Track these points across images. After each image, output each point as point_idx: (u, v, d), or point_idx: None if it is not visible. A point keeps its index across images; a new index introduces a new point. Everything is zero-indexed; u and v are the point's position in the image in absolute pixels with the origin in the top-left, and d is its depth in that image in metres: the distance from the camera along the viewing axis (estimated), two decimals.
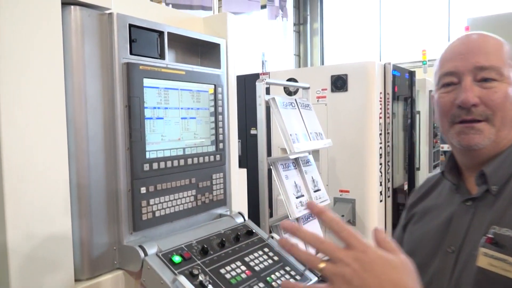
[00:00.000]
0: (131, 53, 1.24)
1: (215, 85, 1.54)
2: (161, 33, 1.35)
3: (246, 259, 1.37)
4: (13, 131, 0.99)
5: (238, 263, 1.33)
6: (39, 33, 1.05)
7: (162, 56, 1.35)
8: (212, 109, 1.54)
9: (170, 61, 1.38)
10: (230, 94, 1.67)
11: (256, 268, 1.35)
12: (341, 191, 3.34)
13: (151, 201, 1.29)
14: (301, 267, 1.42)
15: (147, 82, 1.27)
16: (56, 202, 1.09)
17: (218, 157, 1.55)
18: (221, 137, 1.57)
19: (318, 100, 3.40)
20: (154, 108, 1.31)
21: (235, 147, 1.72)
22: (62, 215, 1.10)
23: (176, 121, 1.39)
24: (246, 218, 1.63)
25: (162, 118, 1.33)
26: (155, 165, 1.30)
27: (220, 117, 1.56)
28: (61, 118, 1.10)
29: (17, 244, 1.00)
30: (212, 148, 1.54)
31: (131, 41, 1.24)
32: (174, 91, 1.38)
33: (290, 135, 2.23)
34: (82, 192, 1.14)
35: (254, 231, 1.52)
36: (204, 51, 1.63)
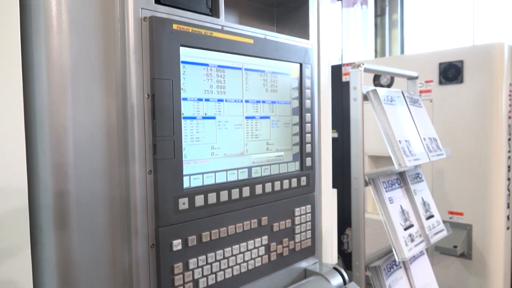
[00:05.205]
0: (157, 1, 0.70)
1: (301, 65, 0.95)
2: None
3: None
4: None
5: None
6: None
7: (214, 12, 0.79)
8: (296, 104, 0.96)
9: (228, 21, 0.82)
10: (323, 80, 1.07)
11: None
12: (452, 213, 2.57)
13: (191, 263, 0.74)
14: None
15: (186, 53, 0.72)
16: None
17: (303, 180, 0.97)
18: (308, 147, 0.98)
19: (420, 95, 2.66)
20: (199, 100, 0.75)
21: (329, 163, 1.12)
22: None
23: (238, 123, 0.83)
24: (346, 277, 1.02)
25: (213, 118, 0.78)
26: (199, 200, 0.74)
27: (307, 116, 0.97)
28: (13, 120, 0.59)
29: None
30: (295, 166, 0.96)
31: None
32: (234, 71, 0.81)
33: (399, 142, 1.58)
34: (62, 254, 0.62)
35: None
36: (283, 12, 1.05)
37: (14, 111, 0.59)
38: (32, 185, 0.62)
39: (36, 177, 0.62)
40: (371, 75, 2.92)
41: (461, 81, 2.48)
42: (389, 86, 2.85)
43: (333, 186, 1.39)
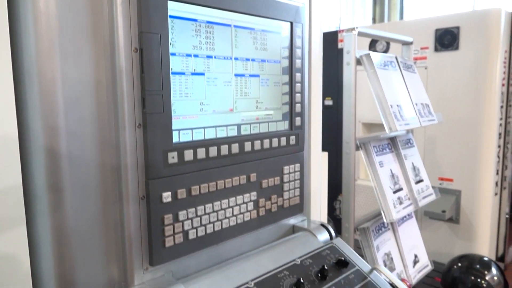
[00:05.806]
0: None
1: (291, 24, 0.95)
2: None
3: None
4: None
5: None
6: None
7: None
8: (286, 63, 0.96)
9: None
10: (314, 40, 1.07)
11: None
12: (442, 179, 2.62)
13: (181, 215, 0.77)
14: None
15: (174, 7, 0.72)
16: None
17: (293, 139, 0.98)
18: (298, 107, 0.99)
19: (415, 62, 2.66)
20: (188, 56, 0.76)
21: (319, 124, 1.14)
22: (13, 246, 0.61)
23: (227, 80, 0.83)
24: (333, 233, 1.06)
25: (202, 74, 0.78)
26: (188, 155, 0.76)
27: (297, 75, 0.98)
28: (1, 73, 0.59)
29: None
30: (284, 125, 0.97)
31: None
32: (223, 28, 0.81)
33: (391, 106, 1.59)
34: (55, 206, 0.64)
35: (348, 260, 0.94)
36: None
37: (2, 63, 0.60)
38: (24, 140, 0.63)
39: (27, 131, 0.63)
40: (367, 42, 2.89)
41: (457, 48, 2.47)
42: (384, 53, 2.83)
43: (327, 154, 1.41)
